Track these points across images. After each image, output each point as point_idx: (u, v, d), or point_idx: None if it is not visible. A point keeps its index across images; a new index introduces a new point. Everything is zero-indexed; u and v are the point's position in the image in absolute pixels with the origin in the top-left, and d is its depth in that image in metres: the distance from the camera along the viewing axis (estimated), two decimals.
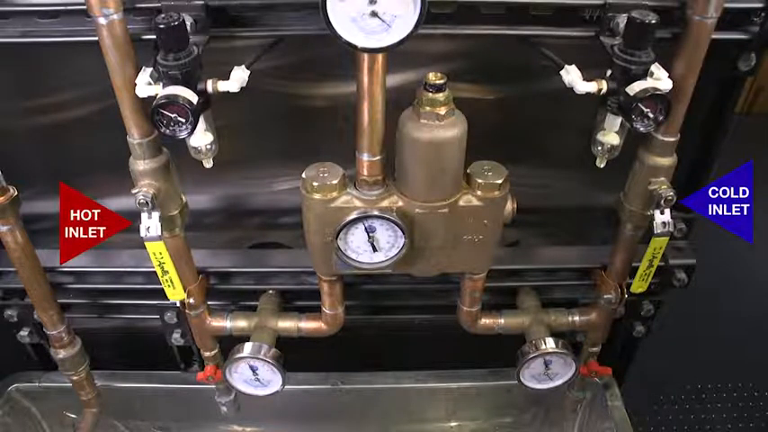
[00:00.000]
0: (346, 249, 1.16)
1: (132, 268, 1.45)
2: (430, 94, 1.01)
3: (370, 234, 1.14)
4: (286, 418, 1.75)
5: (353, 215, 1.11)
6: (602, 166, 1.12)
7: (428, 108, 1.02)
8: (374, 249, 1.16)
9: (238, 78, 1.03)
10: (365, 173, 1.10)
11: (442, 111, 1.02)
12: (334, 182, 1.11)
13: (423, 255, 1.20)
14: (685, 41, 1.02)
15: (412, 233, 1.15)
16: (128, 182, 1.13)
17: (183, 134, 1.01)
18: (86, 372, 1.50)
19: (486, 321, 1.41)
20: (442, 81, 1.01)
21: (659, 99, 0.98)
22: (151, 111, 0.99)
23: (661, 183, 1.15)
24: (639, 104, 0.98)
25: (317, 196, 1.11)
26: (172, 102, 0.98)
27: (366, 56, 0.97)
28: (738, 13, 1.09)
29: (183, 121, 1.00)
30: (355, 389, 1.68)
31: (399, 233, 1.13)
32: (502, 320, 1.41)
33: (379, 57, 0.98)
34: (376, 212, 1.11)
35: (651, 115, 0.99)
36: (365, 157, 1.09)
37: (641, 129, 1.01)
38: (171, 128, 1.01)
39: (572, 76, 1.03)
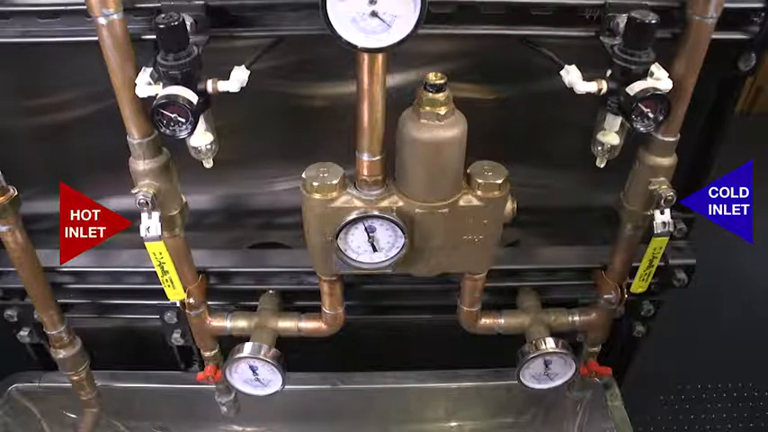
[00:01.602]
0: (346, 249, 1.16)
1: (132, 268, 1.45)
2: (430, 94, 1.01)
3: (370, 234, 1.14)
4: (286, 418, 1.75)
5: (353, 215, 1.11)
6: (602, 166, 1.12)
7: (428, 108, 1.02)
8: (374, 249, 1.16)
9: (238, 78, 1.03)
10: (365, 173, 1.10)
11: (442, 111, 1.02)
12: (334, 182, 1.11)
13: (423, 255, 1.20)
14: (685, 41, 1.02)
15: (412, 233, 1.15)
16: (128, 182, 1.13)
17: (183, 134, 1.01)
18: (86, 372, 1.50)
19: (486, 321, 1.41)
20: (442, 81, 1.01)
21: (659, 99, 0.98)
22: (151, 111, 0.99)
23: (661, 183, 1.15)
24: (639, 104, 0.98)
25: (317, 196, 1.11)
26: (172, 102, 0.98)
27: (366, 56, 0.97)
28: (738, 13, 1.09)
29: (183, 121, 1.00)
30: (355, 389, 1.68)
31: (399, 233, 1.13)
32: (502, 320, 1.41)
33: (379, 57, 0.98)
34: (376, 212, 1.11)
35: (651, 115, 0.99)
36: (365, 157, 1.09)
37: (641, 129, 1.00)
38: (171, 128, 1.01)
39: (572, 76, 1.02)
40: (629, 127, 1.03)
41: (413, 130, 1.03)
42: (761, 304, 2.38)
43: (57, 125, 1.37)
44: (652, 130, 1.04)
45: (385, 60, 0.99)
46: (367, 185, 1.12)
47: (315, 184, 1.10)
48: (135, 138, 1.08)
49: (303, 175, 1.11)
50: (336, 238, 1.13)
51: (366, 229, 1.13)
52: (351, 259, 1.17)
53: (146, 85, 1.00)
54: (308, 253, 1.22)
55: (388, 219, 1.11)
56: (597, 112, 1.09)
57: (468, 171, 1.13)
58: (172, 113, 0.99)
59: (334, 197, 1.11)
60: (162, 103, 0.98)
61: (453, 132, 1.03)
